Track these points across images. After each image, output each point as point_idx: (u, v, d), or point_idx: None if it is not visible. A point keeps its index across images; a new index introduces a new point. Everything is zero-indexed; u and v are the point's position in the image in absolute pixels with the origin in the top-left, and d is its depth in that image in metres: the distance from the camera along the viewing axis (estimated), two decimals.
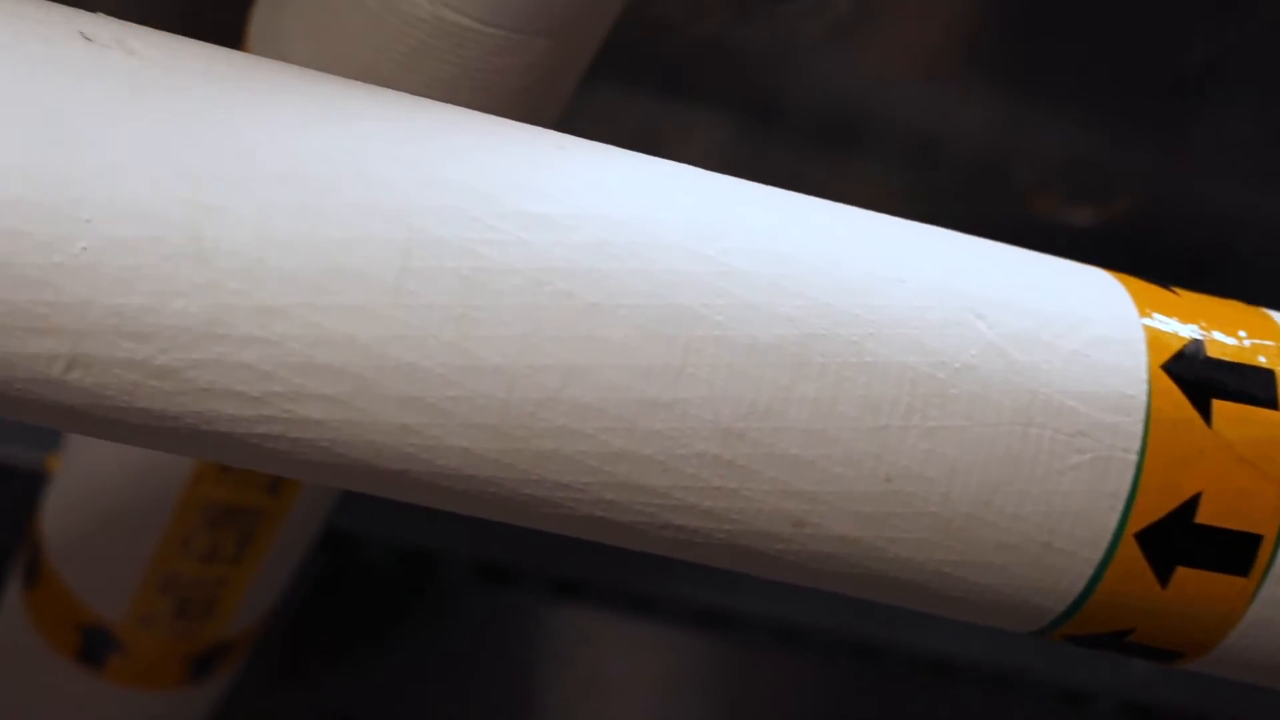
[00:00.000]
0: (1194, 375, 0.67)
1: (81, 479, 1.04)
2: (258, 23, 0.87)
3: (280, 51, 0.83)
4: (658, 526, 0.67)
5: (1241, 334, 0.69)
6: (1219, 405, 0.67)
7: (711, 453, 0.65)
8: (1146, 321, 0.69)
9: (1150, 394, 0.67)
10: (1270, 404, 0.67)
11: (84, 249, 0.58)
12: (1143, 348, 0.68)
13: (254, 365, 0.61)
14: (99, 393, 0.60)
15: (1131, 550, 0.67)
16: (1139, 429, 0.67)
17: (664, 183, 0.67)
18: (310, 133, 0.62)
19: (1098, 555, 0.67)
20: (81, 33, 0.60)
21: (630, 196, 0.65)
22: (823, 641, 1.47)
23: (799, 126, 1.28)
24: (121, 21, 0.62)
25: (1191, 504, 0.67)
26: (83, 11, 0.62)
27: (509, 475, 0.64)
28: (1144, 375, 0.67)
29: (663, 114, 1.27)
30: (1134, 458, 0.67)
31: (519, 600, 1.47)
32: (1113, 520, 0.67)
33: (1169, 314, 0.69)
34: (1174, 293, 0.71)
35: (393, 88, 0.70)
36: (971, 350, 0.66)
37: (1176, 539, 0.67)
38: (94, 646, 1.06)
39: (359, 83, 0.67)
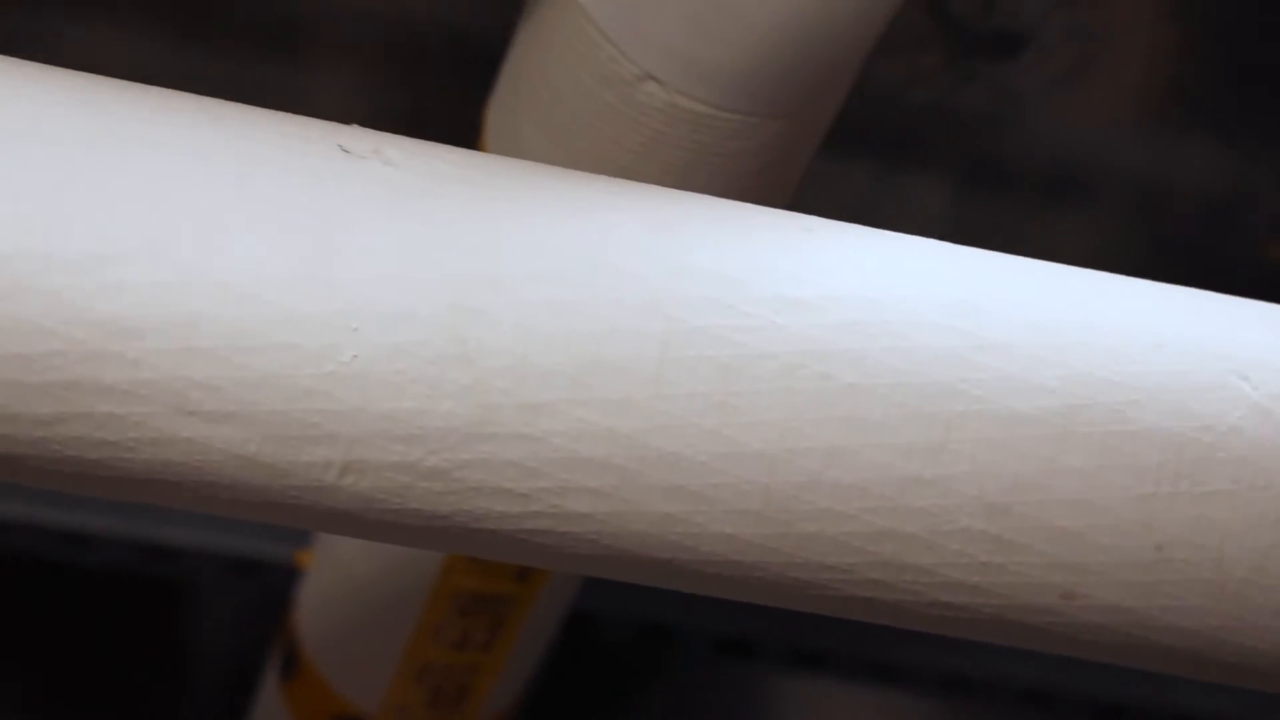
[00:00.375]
0: None
1: (335, 573, 1.06)
2: (494, 119, 0.88)
3: (517, 147, 0.84)
4: (924, 604, 0.66)
5: None
6: None
7: (977, 528, 0.64)
8: None
9: None
10: None
11: (354, 357, 0.60)
12: None
13: (520, 462, 0.62)
14: (372, 496, 0.62)
15: None
16: None
17: (913, 259, 0.67)
18: (562, 230, 0.63)
19: None
20: (340, 145, 0.62)
21: (880, 275, 0.65)
22: (1067, 703, 1.44)
23: (1021, 185, 1.27)
24: (378, 132, 0.64)
25: None
26: (340, 125, 0.63)
27: (774, 559, 0.65)
28: None
29: (882, 181, 1.27)
30: None
31: (759, 672, 1.47)
32: None
33: None
34: None
35: (629, 177, 0.71)
36: (1237, 413, 0.65)
37: None
38: None
39: (602, 177, 0.68)
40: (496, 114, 0.88)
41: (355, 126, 0.64)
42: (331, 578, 1.06)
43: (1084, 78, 1.22)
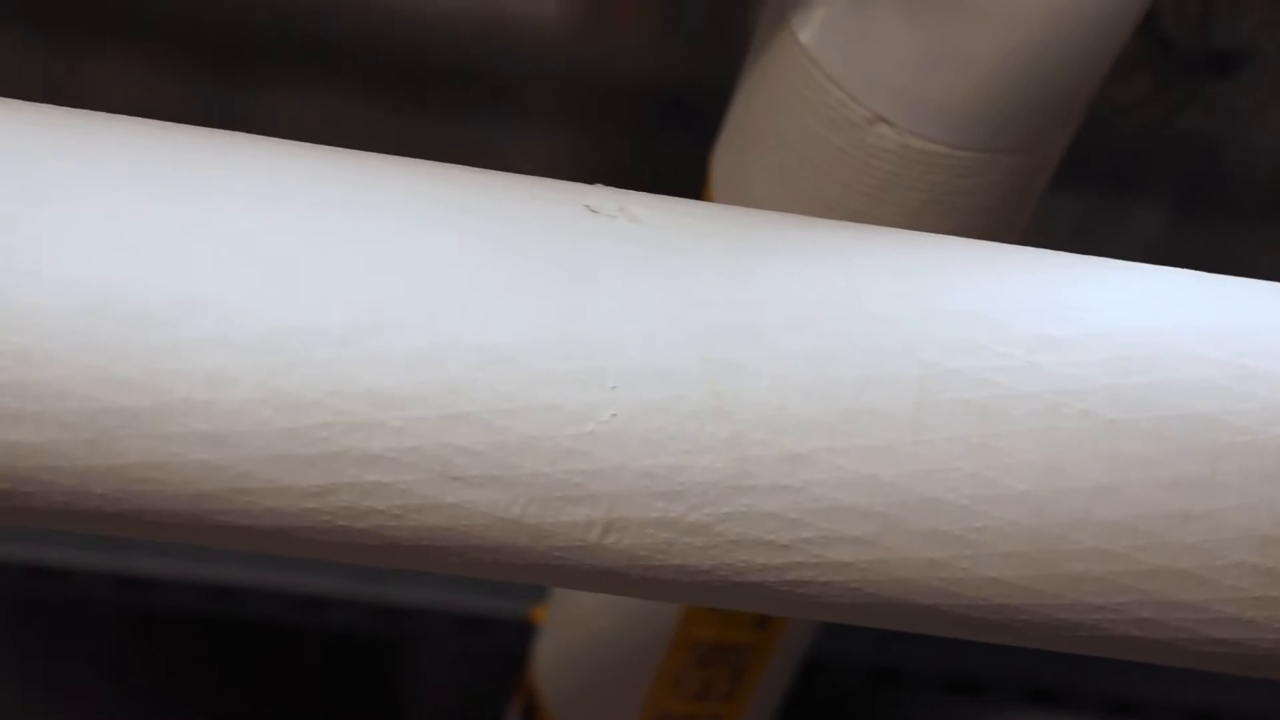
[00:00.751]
0: None
1: (573, 627, 1.06)
2: (719, 169, 0.88)
3: (745, 196, 0.84)
4: (1196, 641, 0.65)
5: None
6: None
7: (1250, 562, 0.63)
8: None
9: None
10: None
11: (613, 415, 0.60)
12: None
13: (781, 514, 0.61)
14: (634, 553, 0.62)
15: None
16: None
17: (1166, 290, 0.65)
18: (812, 278, 0.63)
19: None
20: (587, 206, 0.62)
21: (1136, 308, 0.64)
22: None
23: (1242, 207, 1.25)
24: (622, 191, 0.64)
25: None
26: (585, 185, 0.64)
27: (1040, 601, 0.64)
28: None
29: (1099, 207, 1.25)
30: None
31: (991, 711, 1.45)
32: None
33: None
34: None
35: (859, 220, 0.71)
36: None
37: None
38: None
39: (845, 222, 0.67)
40: (722, 163, 0.88)
41: (599, 186, 0.64)
42: (570, 632, 1.06)
43: None
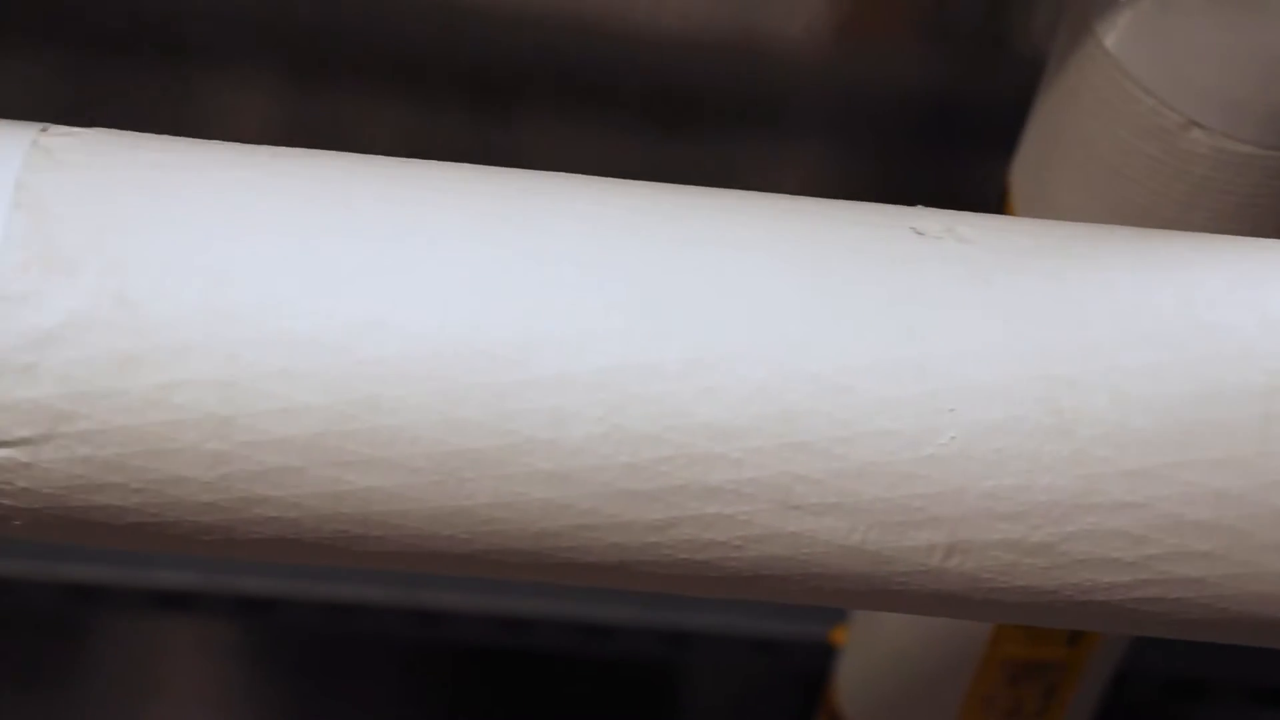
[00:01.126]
0: None
1: (877, 648, 1.05)
2: (1019, 183, 0.87)
3: (1049, 208, 0.83)
4: None
5: None
6: None
7: None
8: None
9: None
10: None
11: (952, 438, 0.59)
12: None
13: (1127, 531, 0.60)
14: (977, 576, 0.61)
15: None
16: None
17: None
18: (1143, 289, 0.62)
19: None
20: (913, 228, 0.62)
21: None
22: None
23: None
24: (946, 211, 0.63)
25: None
26: (907, 207, 0.63)
27: None
28: None
29: None
30: None
31: None
32: None
33: None
34: None
35: (1171, 228, 0.69)
36: None
37: None
38: None
39: (1174, 232, 0.66)
40: (1022, 176, 0.86)
41: (921, 207, 0.63)
42: (874, 652, 1.06)
43: None
